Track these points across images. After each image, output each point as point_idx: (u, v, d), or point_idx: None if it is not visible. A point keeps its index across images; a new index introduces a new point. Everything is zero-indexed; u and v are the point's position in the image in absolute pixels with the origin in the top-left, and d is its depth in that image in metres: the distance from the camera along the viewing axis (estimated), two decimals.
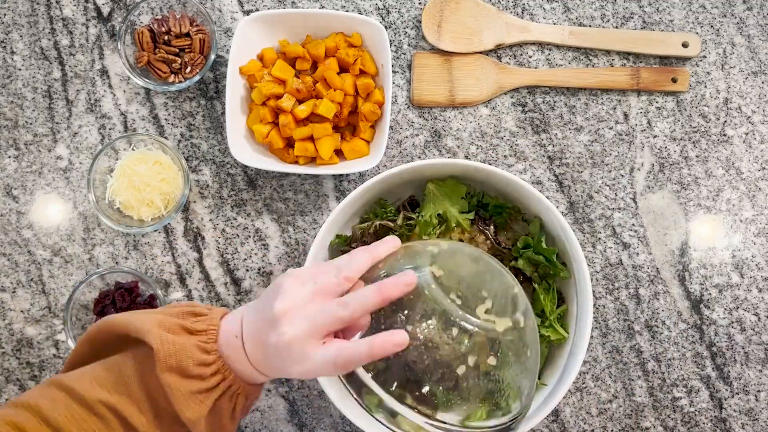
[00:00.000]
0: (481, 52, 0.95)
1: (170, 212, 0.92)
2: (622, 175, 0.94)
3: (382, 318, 0.62)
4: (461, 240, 0.85)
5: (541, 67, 0.96)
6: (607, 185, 0.94)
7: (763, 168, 0.95)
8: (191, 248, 0.94)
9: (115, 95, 0.95)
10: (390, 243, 0.67)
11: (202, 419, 0.60)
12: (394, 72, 0.96)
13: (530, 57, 0.96)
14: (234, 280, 0.94)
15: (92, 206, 0.91)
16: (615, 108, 0.95)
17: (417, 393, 0.61)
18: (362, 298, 0.58)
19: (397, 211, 0.87)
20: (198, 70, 0.94)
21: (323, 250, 0.84)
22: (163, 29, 0.93)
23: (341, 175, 0.95)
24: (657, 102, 0.95)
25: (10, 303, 0.93)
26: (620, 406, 0.92)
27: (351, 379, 0.61)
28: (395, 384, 0.61)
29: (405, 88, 0.96)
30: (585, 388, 0.93)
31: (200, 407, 0.59)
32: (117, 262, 0.94)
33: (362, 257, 0.63)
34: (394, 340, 0.57)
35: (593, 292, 0.92)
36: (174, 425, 0.61)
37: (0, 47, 0.95)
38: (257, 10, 0.96)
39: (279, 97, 0.89)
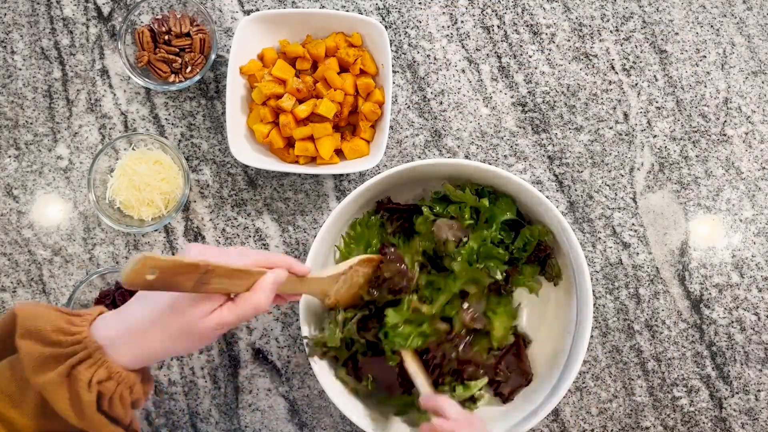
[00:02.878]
0: None
1: (170, 212, 0.92)
2: (622, 175, 0.95)
3: None
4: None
5: (541, 66, 0.97)
6: (607, 185, 0.95)
7: (763, 168, 0.96)
8: None
9: (115, 95, 0.96)
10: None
11: (55, 388, 0.56)
12: (394, 72, 0.96)
13: (530, 57, 0.97)
14: None
15: (92, 206, 0.92)
16: (615, 108, 0.96)
17: None
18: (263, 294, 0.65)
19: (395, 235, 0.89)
20: (198, 70, 0.95)
21: (323, 249, 0.85)
22: (164, 29, 0.94)
23: (341, 175, 0.95)
24: (657, 102, 0.96)
25: (10, 303, 0.94)
26: (620, 406, 0.93)
27: None
28: None
29: (405, 87, 0.97)
30: (585, 387, 0.94)
31: (51, 373, 0.56)
32: (117, 262, 0.94)
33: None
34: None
35: (593, 291, 0.93)
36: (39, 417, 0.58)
37: (0, 47, 0.96)
38: (257, 10, 0.97)
39: (279, 96, 0.91)
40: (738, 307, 0.94)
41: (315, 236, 0.84)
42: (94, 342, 0.58)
